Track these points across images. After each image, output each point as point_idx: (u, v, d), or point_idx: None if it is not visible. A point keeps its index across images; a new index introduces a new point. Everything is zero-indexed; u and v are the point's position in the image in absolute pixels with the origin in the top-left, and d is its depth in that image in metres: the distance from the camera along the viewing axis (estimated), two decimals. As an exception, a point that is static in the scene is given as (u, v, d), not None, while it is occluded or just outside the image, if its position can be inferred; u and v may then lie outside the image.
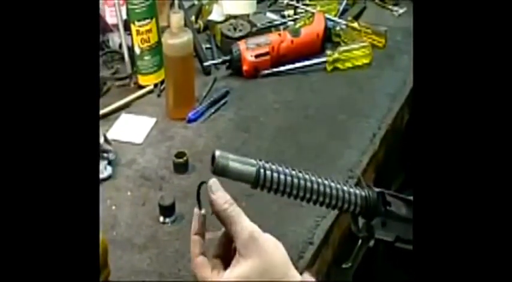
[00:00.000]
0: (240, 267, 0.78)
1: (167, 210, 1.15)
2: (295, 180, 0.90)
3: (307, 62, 1.56)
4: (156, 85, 1.49)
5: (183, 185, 1.24)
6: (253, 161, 0.88)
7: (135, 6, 1.39)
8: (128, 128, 1.38)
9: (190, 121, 1.40)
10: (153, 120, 1.40)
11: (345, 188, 0.94)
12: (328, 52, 1.56)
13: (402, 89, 1.51)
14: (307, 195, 0.91)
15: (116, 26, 1.52)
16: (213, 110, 1.43)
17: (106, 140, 1.28)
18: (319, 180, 0.92)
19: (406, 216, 0.97)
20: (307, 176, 0.91)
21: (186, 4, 1.72)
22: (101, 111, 1.38)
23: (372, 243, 1.00)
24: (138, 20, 1.41)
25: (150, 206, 1.19)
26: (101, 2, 1.58)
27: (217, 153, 0.86)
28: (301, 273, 0.81)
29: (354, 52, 1.57)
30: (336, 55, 1.55)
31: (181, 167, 1.26)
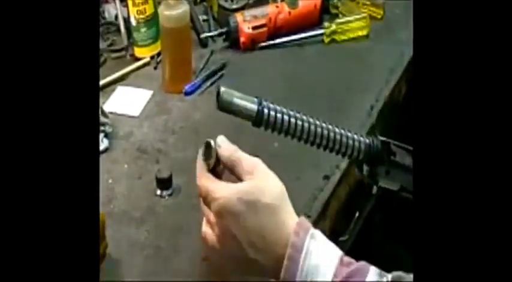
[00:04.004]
0: (241, 184, 0.84)
1: (164, 183, 1.14)
2: (299, 123, 0.90)
3: (304, 34, 1.55)
4: (152, 57, 1.48)
5: (180, 158, 1.23)
6: (255, 99, 0.89)
7: (131, -23, 1.38)
8: (124, 101, 1.37)
9: (187, 94, 1.39)
10: (150, 92, 1.39)
11: (349, 134, 0.94)
12: (326, 24, 1.55)
13: (400, 61, 1.50)
14: (311, 139, 0.92)
15: (112, -3, 1.51)
16: (210, 83, 1.42)
17: (103, 112, 1.27)
18: (323, 124, 0.93)
19: (410, 167, 0.97)
20: (311, 119, 0.92)
21: (183, -25, 1.70)
22: (97, 84, 1.37)
23: (375, 190, 1.00)
24: (134, -9, 1.40)
25: (147, 179, 1.18)
26: (96, -27, 1.57)
27: (222, 89, 0.88)
28: None
29: (352, 24, 1.55)
30: (334, 27, 1.54)
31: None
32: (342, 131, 0.94)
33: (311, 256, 0.79)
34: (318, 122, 0.93)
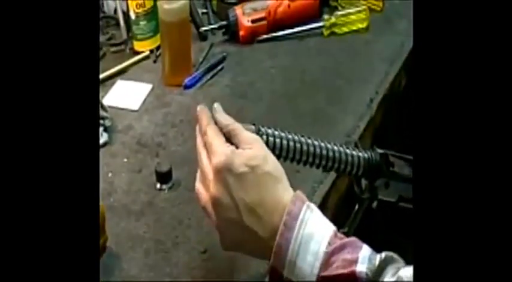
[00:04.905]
0: (245, 151, 0.83)
1: (164, 177, 1.14)
2: (298, 145, 0.90)
3: (304, 27, 1.55)
4: (152, 51, 1.48)
5: (179, 152, 1.23)
6: (253, 127, 0.89)
7: (130, -29, 1.38)
8: (123, 95, 1.37)
9: (186, 87, 1.39)
10: (149, 86, 1.39)
11: (348, 150, 0.94)
12: (326, 17, 1.55)
13: (400, 53, 1.50)
14: (310, 160, 0.92)
15: (111, -10, 1.51)
16: (209, 76, 1.42)
17: (102, 106, 1.27)
18: (322, 144, 0.92)
19: (409, 176, 0.97)
20: (309, 141, 0.92)
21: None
22: (97, 78, 1.37)
23: (375, 204, 1.01)
24: (133, -15, 1.39)
25: (146, 172, 1.18)
26: (95, -34, 1.57)
27: None
28: None
29: (351, 16, 1.55)
30: (333, 20, 1.54)
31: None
32: (341, 149, 0.94)
33: (306, 225, 0.79)
34: (316, 142, 0.92)
